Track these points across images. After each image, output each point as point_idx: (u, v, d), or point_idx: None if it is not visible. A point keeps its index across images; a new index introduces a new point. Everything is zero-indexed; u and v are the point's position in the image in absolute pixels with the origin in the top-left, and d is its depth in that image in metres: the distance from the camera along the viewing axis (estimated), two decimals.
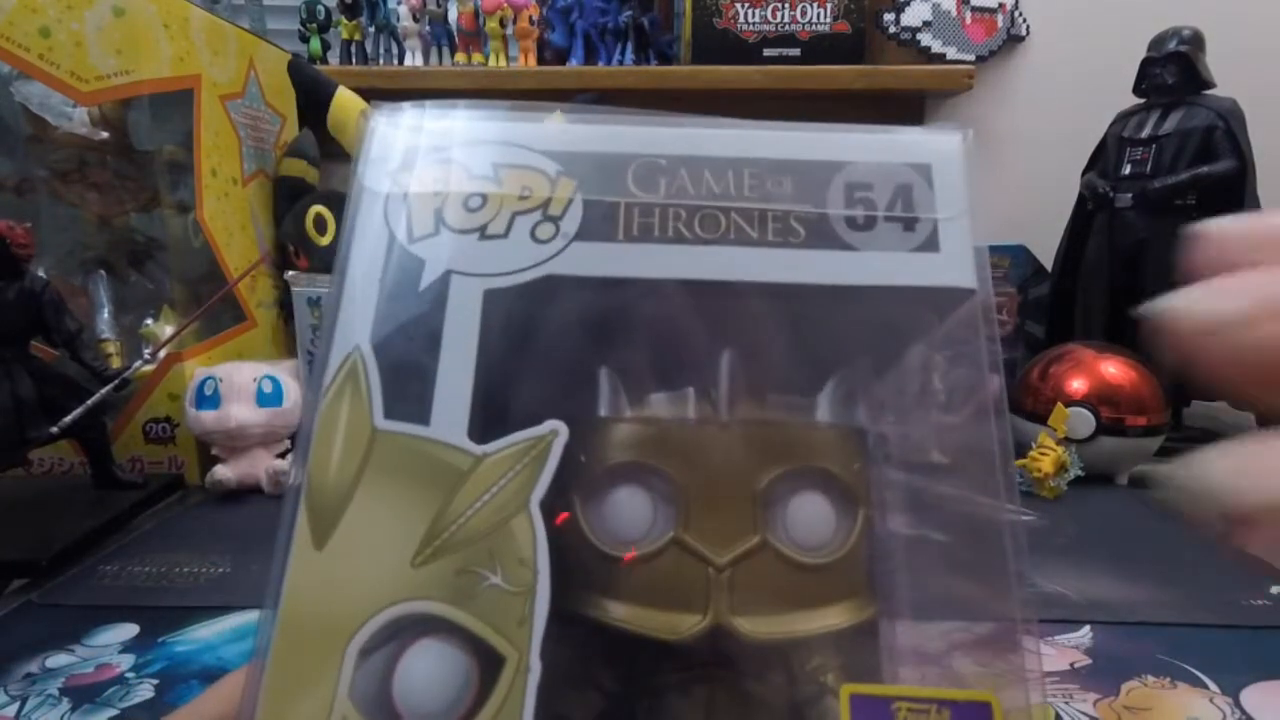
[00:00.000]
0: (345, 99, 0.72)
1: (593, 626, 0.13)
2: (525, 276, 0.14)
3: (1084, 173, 0.77)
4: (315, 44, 0.94)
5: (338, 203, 0.76)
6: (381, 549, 0.12)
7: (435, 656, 0.12)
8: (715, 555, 0.13)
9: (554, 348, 0.15)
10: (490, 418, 0.13)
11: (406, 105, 0.17)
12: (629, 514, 0.14)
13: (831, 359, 0.15)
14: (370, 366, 0.14)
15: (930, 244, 0.15)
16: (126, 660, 0.36)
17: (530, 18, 0.91)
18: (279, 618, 0.12)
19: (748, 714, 0.13)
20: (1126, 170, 0.72)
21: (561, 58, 0.93)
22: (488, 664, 0.12)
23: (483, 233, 0.15)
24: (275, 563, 0.13)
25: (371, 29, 0.93)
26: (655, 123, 0.16)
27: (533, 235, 0.15)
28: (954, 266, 0.15)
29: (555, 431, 0.13)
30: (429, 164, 0.16)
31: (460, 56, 0.93)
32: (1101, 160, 0.76)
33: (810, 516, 0.14)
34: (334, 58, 0.95)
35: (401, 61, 0.94)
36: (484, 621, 0.12)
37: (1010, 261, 0.84)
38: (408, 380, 0.14)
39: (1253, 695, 0.33)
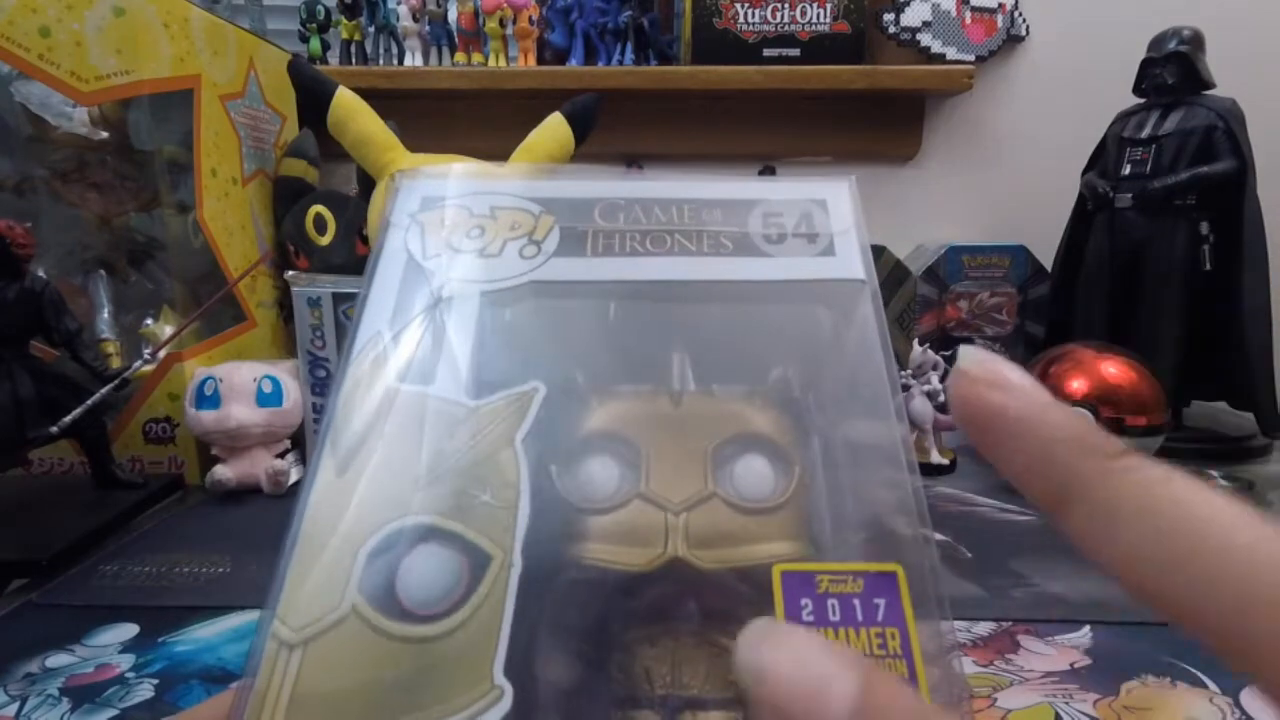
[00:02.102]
0: (345, 99, 0.72)
1: (564, 587, 0.15)
2: (513, 282, 0.19)
3: (1084, 173, 0.77)
4: (315, 44, 0.94)
5: (338, 203, 0.76)
6: (391, 476, 0.16)
7: (433, 557, 0.15)
8: (671, 504, 0.16)
9: (536, 337, 0.19)
10: (483, 383, 0.17)
11: (426, 169, 0.22)
12: (600, 477, 0.16)
13: (768, 350, 0.19)
14: (389, 345, 0.18)
15: (828, 250, 0.20)
16: (126, 660, 0.36)
17: (530, 18, 0.91)
18: (300, 531, 0.15)
19: (714, 664, 0.14)
20: (1126, 170, 0.72)
21: (561, 58, 0.93)
22: (477, 562, 0.15)
23: (481, 253, 0.20)
24: (299, 493, 0.16)
25: (371, 29, 0.93)
26: (615, 176, 0.21)
27: (520, 254, 0.20)
28: (847, 265, 0.20)
29: (536, 388, 0.17)
30: (441, 207, 0.21)
31: (460, 56, 0.93)
32: (1101, 160, 0.76)
33: (752, 473, 0.16)
34: (334, 58, 0.95)
35: (401, 61, 0.94)
36: (475, 529, 0.15)
37: (1010, 261, 0.84)
38: (416, 352, 0.18)
39: (1253, 695, 0.33)
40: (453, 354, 0.18)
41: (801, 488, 0.16)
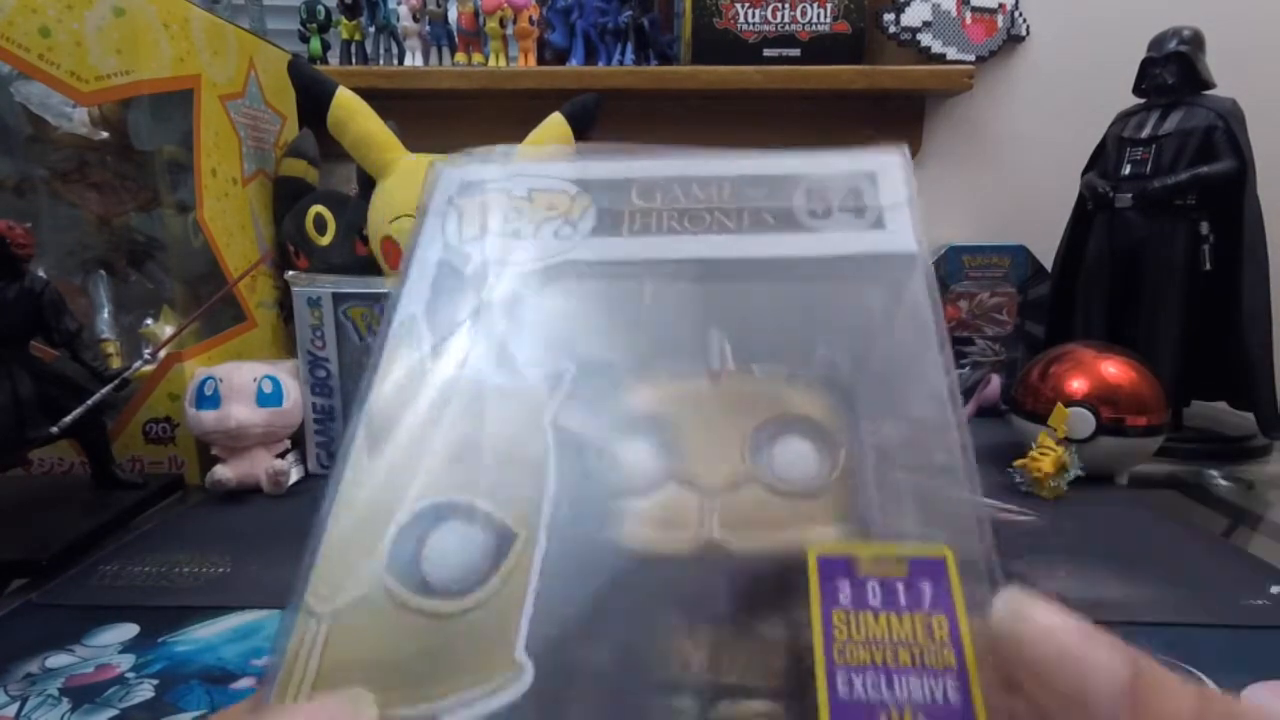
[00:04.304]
0: (345, 99, 0.72)
1: (596, 569, 0.15)
2: (548, 263, 0.19)
3: (1084, 173, 0.77)
4: (315, 44, 0.94)
5: (338, 203, 0.76)
6: (421, 455, 0.16)
7: (458, 535, 0.15)
8: (708, 486, 0.16)
9: (570, 317, 0.19)
10: (515, 364, 0.17)
11: (466, 153, 0.22)
12: (636, 459, 0.16)
13: (812, 329, 0.18)
14: (422, 326, 0.18)
15: (878, 223, 0.19)
16: (126, 660, 0.36)
17: (530, 18, 0.91)
18: (335, 507, 0.16)
19: (753, 653, 0.14)
20: (1126, 170, 0.72)
21: (561, 58, 0.93)
22: (501, 540, 0.15)
23: (517, 235, 0.20)
24: (333, 472, 0.16)
25: (371, 29, 0.93)
26: (654, 154, 0.21)
27: (555, 235, 0.19)
28: (898, 238, 0.18)
29: (567, 369, 0.17)
30: (480, 192, 0.21)
31: (460, 56, 0.93)
32: (1101, 160, 0.76)
33: (792, 455, 0.16)
34: (334, 58, 0.95)
35: (401, 61, 0.94)
36: (501, 508, 0.15)
37: (1010, 261, 0.84)
38: (449, 335, 0.18)
39: (1253, 695, 0.33)
40: (486, 336, 0.18)
41: (847, 471, 0.15)
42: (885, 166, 0.20)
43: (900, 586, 0.13)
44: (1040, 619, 0.12)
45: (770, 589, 0.14)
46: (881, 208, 0.19)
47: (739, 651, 0.14)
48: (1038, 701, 0.12)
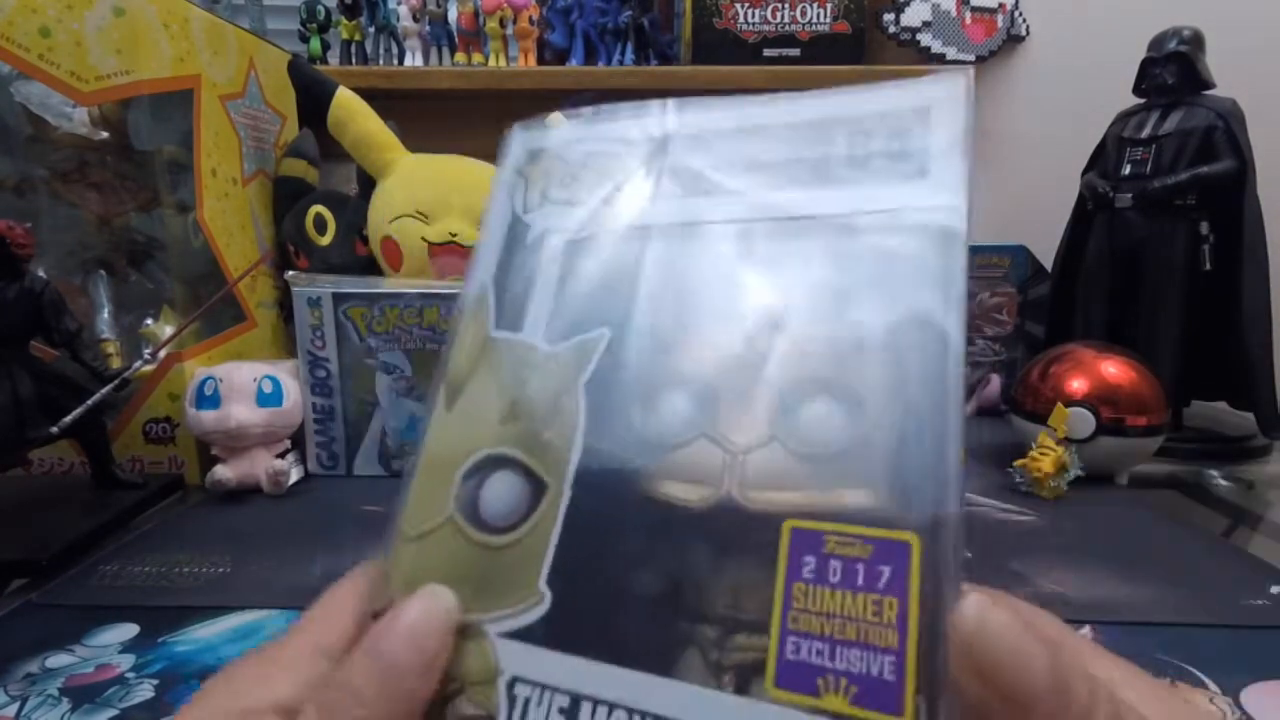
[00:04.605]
0: (345, 99, 0.72)
1: (620, 518, 0.16)
2: (595, 229, 0.19)
3: (1084, 173, 0.77)
4: (315, 44, 0.94)
5: (338, 203, 0.76)
6: (482, 412, 0.18)
7: (505, 482, 0.17)
8: (734, 445, 0.16)
9: (613, 282, 0.19)
10: (559, 329, 0.19)
11: (538, 121, 0.22)
12: (669, 416, 0.17)
13: (847, 291, 0.17)
14: (491, 296, 0.20)
15: (920, 172, 0.17)
16: (126, 660, 0.36)
17: (530, 18, 0.91)
18: (421, 456, 0.19)
19: (767, 596, 0.15)
20: (1126, 170, 0.72)
21: (561, 58, 0.93)
22: (537, 489, 0.17)
23: (570, 202, 0.20)
24: (423, 426, 0.19)
25: (371, 29, 0.93)
26: (700, 106, 0.20)
27: (604, 201, 0.20)
28: (939, 190, 0.16)
29: (603, 334, 0.18)
30: (541, 159, 0.21)
31: (460, 56, 0.93)
32: (1101, 160, 0.76)
33: (817, 418, 0.15)
34: (334, 58, 0.95)
35: (401, 61, 0.94)
36: (537, 461, 0.17)
37: (1010, 261, 0.84)
38: (511, 303, 0.20)
39: (1253, 695, 0.33)
40: (538, 303, 0.19)
41: (875, 435, 0.15)
42: (943, 99, 0.17)
43: (860, 567, 0.14)
44: (995, 623, 0.13)
45: (766, 551, 0.15)
46: (928, 151, 0.17)
47: (760, 589, 0.15)
48: (991, 703, 0.13)
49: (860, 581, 0.14)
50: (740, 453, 0.16)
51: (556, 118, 0.22)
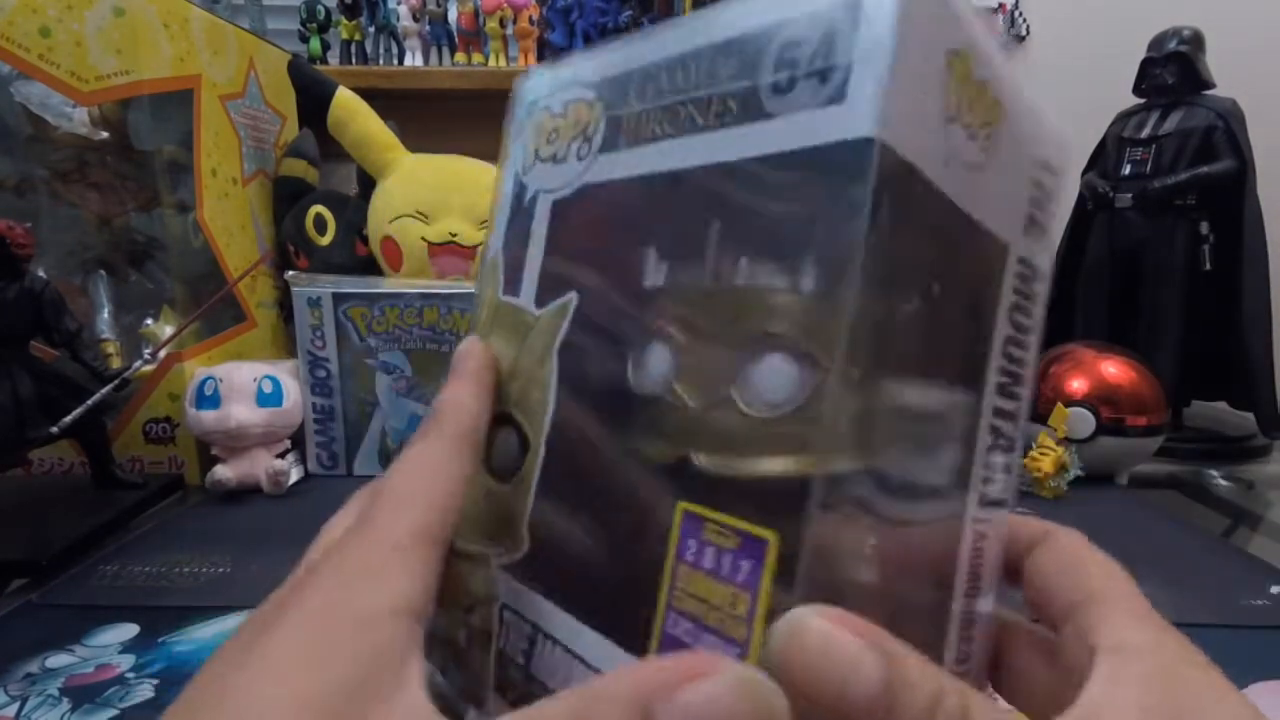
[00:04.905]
0: (345, 99, 0.72)
1: (589, 482, 0.17)
2: (571, 189, 0.19)
3: (1084, 173, 0.77)
4: (315, 44, 0.94)
5: (338, 203, 0.76)
6: (494, 374, 0.20)
7: (506, 437, 0.19)
8: (691, 404, 0.15)
9: (584, 243, 0.19)
10: (544, 293, 0.19)
11: (535, 70, 0.21)
12: (632, 374, 0.16)
13: (795, 240, 0.14)
14: (500, 263, 0.21)
15: (838, 94, 0.13)
16: (126, 660, 0.36)
17: (530, 18, 0.91)
18: None
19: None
20: (1126, 170, 0.72)
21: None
22: (525, 445, 0.19)
23: (554, 159, 0.20)
24: None
25: (371, 29, 0.93)
26: (656, 34, 0.18)
27: (577, 155, 0.19)
28: (854, 117, 0.13)
29: (571, 298, 0.18)
30: (534, 113, 0.21)
31: (460, 56, 0.93)
32: (1101, 160, 0.76)
33: (769, 374, 0.14)
34: (334, 58, 0.95)
35: (401, 61, 0.94)
36: (525, 420, 0.19)
37: None
38: (512, 267, 0.20)
39: (1253, 695, 0.33)
40: (530, 266, 0.20)
41: (832, 394, 0.13)
42: None
43: (729, 558, 0.14)
44: (808, 642, 0.12)
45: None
46: (851, 63, 0.13)
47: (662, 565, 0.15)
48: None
49: (726, 571, 0.14)
50: (696, 413, 0.15)
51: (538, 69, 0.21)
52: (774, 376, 0.14)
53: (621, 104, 0.18)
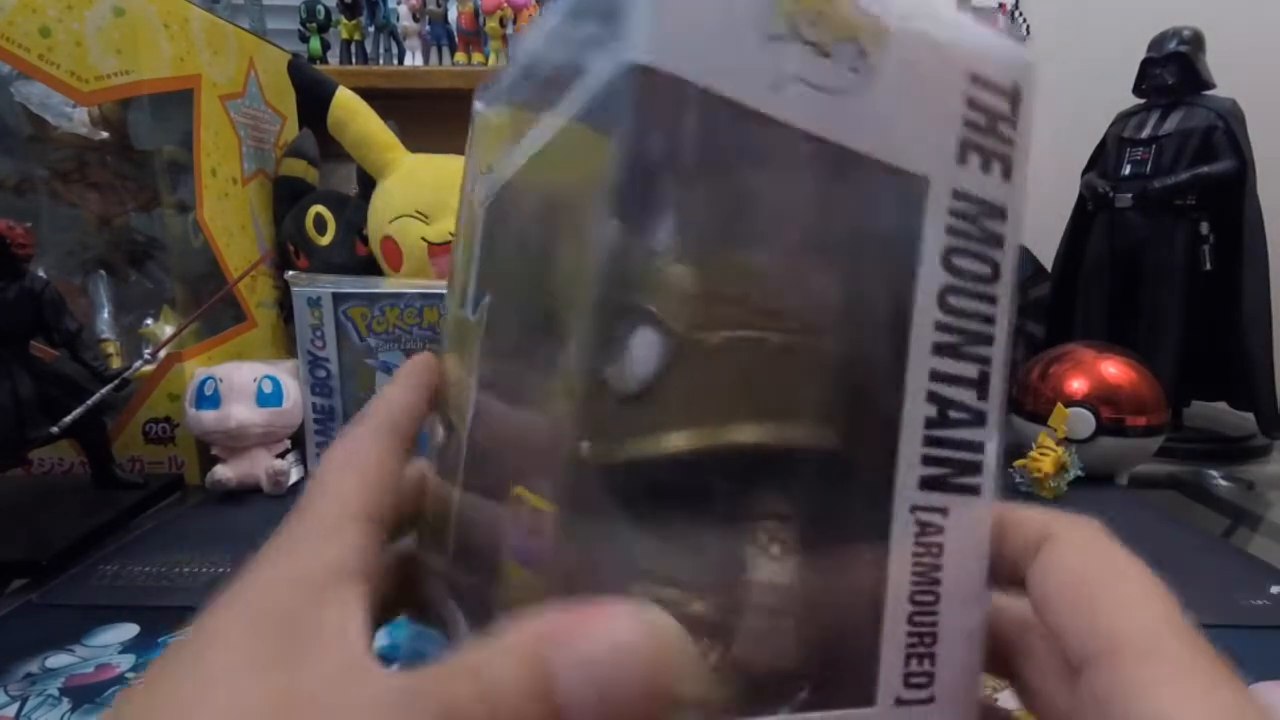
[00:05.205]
0: (345, 99, 0.72)
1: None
2: (494, 196, 0.19)
3: (1084, 173, 0.77)
4: (315, 44, 0.94)
5: (338, 203, 0.76)
6: (445, 380, 0.20)
7: (451, 441, 0.19)
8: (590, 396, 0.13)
9: (496, 249, 0.19)
10: (477, 300, 0.19)
11: (482, 83, 0.21)
12: (537, 372, 0.16)
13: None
14: (458, 275, 0.21)
15: (621, 32, 0.12)
16: (126, 660, 0.36)
17: (530, 18, 0.91)
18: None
19: None
20: (1126, 170, 0.72)
21: None
22: (459, 448, 0.19)
23: (490, 169, 0.19)
24: None
25: (371, 29, 0.93)
26: (529, 30, 0.18)
27: (502, 159, 0.18)
28: (626, 48, 0.12)
29: (487, 302, 0.18)
30: (476, 126, 0.21)
31: (460, 56, 0.93)
32: (1101, 160, 0.76)
33: (639, 347, 0.13)
34: (334, 58, 0.95)
35: (401, 61, 0.94)
36: (459, 423, 0.19)
37: None
38: (462, 283, 0.20)
39: (1259, 693, 0.33)
40: (471, 279, 0.20)
41: (679, 365, 0.12)
42: None
43: (535, 542, 0.13)
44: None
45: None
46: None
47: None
48: None
49: (526, 554, 0.13)
50: (589, 401, 0.13)
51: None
52: (637, 351, 0.13)
53: (519, 103, 0.18)
